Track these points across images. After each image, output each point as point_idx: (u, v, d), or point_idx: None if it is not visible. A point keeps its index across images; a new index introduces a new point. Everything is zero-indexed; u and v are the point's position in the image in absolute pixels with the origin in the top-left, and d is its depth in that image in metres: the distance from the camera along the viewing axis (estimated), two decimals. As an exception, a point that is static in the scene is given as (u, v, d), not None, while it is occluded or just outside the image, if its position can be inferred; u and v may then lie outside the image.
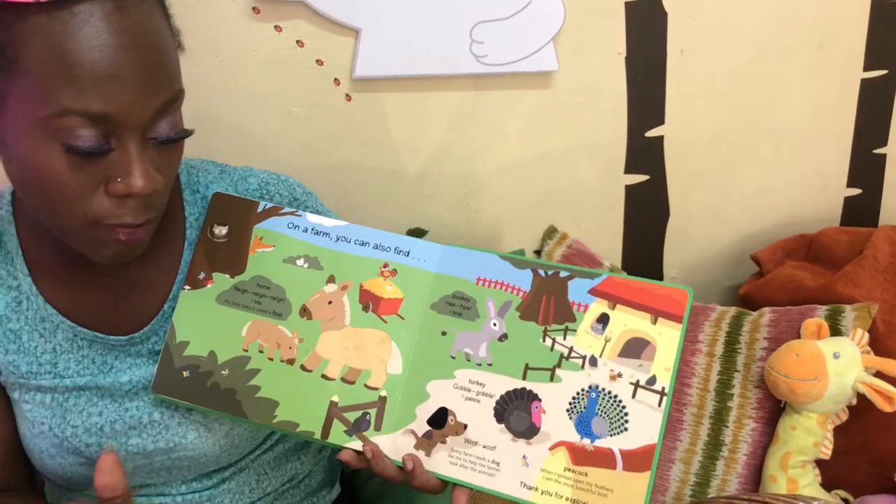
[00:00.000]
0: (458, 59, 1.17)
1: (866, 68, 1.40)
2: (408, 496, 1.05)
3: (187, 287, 0.78)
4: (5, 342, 0.77)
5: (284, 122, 1.16)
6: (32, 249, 0.77)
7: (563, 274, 0.75)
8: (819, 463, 1.17)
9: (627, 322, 0.72)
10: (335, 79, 1.15)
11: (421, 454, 0.73)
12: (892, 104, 1.45)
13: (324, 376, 0.76)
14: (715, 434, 1.20)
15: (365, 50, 1.13)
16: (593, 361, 0.72)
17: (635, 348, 0.71)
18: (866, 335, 1.14)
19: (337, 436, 0.74)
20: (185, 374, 0.76)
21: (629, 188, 1.37)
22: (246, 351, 0.77)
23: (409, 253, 0.78)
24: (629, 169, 1.36)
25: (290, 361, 0.76)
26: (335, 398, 0.75)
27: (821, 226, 1.42)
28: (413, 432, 0.74)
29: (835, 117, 1.43)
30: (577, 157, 1.32)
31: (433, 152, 1.23)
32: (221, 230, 0.79)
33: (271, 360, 0.76)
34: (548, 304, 0.74)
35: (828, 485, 1.18)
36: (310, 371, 0.76)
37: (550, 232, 1.35)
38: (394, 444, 0.74)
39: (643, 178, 1.37)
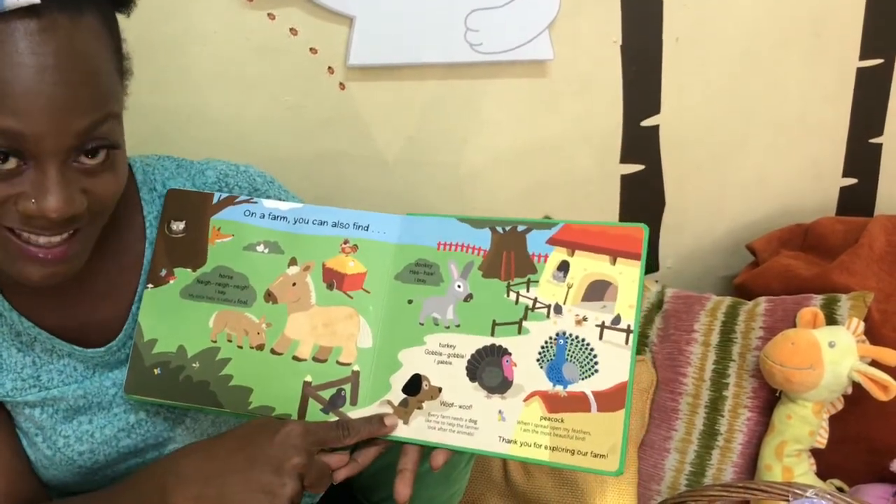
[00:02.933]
0: (452, 48, 1.16)
1: (862, 57, 1.40)
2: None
3: (150, 285, 0.78)
4: None
5: (277, 110, 1.15)
6: None
7: (520, 228, 0.75)
8: (814, 452, 1.17)
9: (587, 266, 0.73)
10: (329, 67, 1.14)
11: (399, 423, 0.73)
12: (888, 93, 1.45)
13: (295, 357, 0.76)
14: (710, 423, 1.20)
15: (359, 38, 1.12)
16: (558, 309, 0.73)
17: (598, 291, 0.72)
18: (862, 324, 1.14)
19: (314, 415, 0.74)
20: (157, 371, 0.76)
21: (624, 178, 1.37)
22: (214, 342, 0.76)
23: (368, 227, 0.78)
24: (625, 158, 1.35)
25: (260, 347, 0.76)
26: (308, 378, 0.75)
27: (816, 215, 1.42)
28: (389, 402, 0.74)
29: (831, 106, 1.42)
30: (572, 146, 1.31)
31: (427, 141, 1.23)
32: (179, 225, 0.79)
33: (240, 347, 0.76)
34: (508, 260, 0.75)
35: (823, 474, 1.18)
36: (280, 354, 0.76)
37: (545, 222, 1.35)
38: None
39: (639, 167, 1.37)
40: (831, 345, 1.11)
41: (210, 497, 0.67)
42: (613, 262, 0.72)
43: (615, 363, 0.70)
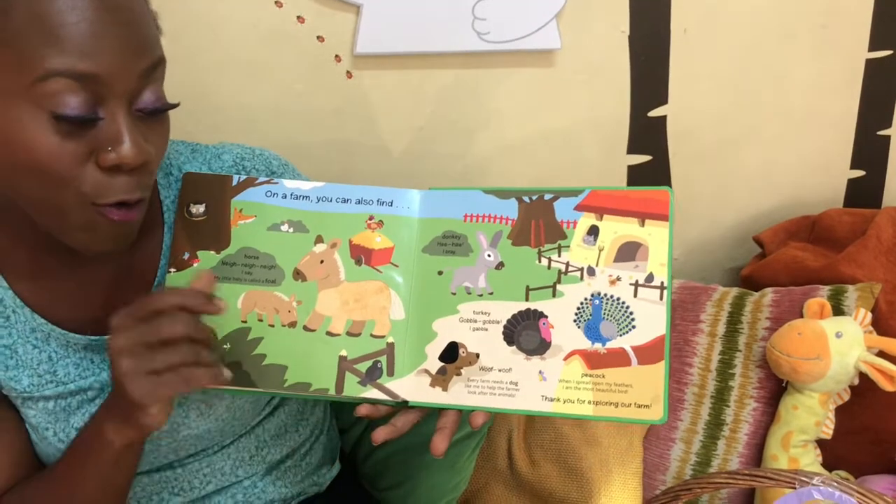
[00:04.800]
0: (460, 37, 1.16)
1: (871, 48, 1.39)
2: (406, 472, 1.05)
3: (172, 269, 0.77)
4: (3, 358, 0.75)
5: (284, 99, 1.15)
6: (7, 256, 0.74)
7: (547, 196, 0.76)
8: (820, 443, 1.17)
9: (617, 229, 0.74)
10: (336, 55, 1.14)
11: (438, 390, 0.74)
12: (897, 85, 1.44)
13: (328, 333, 0.76)
14: (716, 413, 1.20)
15: (366, 26, 1.12)
16: (591, 271, 0.74)
17: (629, 251, 0.74)
18: (869, 315, 1.14)
19: (351, 388, 0.75)
20: None
21: (632, 168, 1.36)
22: (245, 322, 0.76)
23: (392, 203, 0.79)
24: (632, 149, 1.35)
25: (292, 325, 0.76)
26: (343, 352, 0.75)
27: (824, 207, 1.41)
28: (426, 371, 0.75)
29: (839, 98, 1.42)
30: (579, 136, 1.31)
31: (434, 130, 1.23)
32: (199, 208, 0.79)
33: (272, 326, 0.76)
34: (538, 227, 0.76)
35: (829, 465, 1.18)
36: (313, 330, 0.76)
37: (552, 212, 1.35)
38: (410, 386, 0.75)
39: (646, 158, 1.36)
40: (838, 335, 1.11)
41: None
42: (642, 223, 0.74)
43: (651, 318, 0.72)
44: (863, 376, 1.11)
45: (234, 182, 0.80)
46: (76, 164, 0.63)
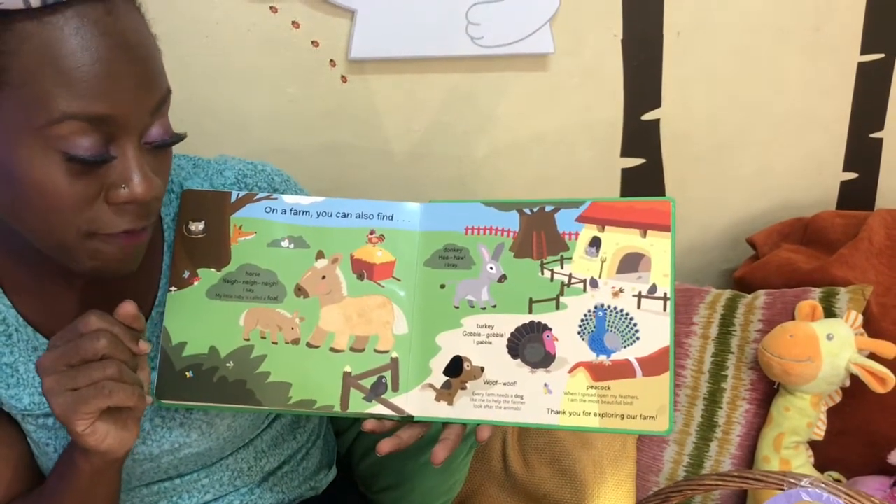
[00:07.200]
0: (453, 41, 1.17)
1: (863, 51, 1.40)
2: (401, 474, 1.06)
3: (173, 288, 0.77)
4: (4, 377, 0.75)
5: (279, 103, 1.15)
6: (9, 274, 0.74)
7: (548, 208, 0.76)
8: (812, 444, 1.18)
9: (619, 240, 0.74)
10: (331, 60, 1.15)
11: (443, 404, 0.74)
12: (889, 88, 1.45)
13: (332, 349, 0.76)
14: (709, 415, 1.20)
15: (361, 31, 1.13)
16: (594, 283, 0.74)
17: (631, 263, 0.74)
18: (860, 317, 1.15)
19: (356, 404, 0.75)
20: (188, 374, 0.75)
21: (625, 171, 1.37)
22: (247, 340, 0.76)
23: (392, 216, 0.79)
24: (625, 152, 1.36)
25: (295, 341, 0.76)
26: (348, 368, 0.75)
27: (817, 209, 1.42)
28: (431, 386, 0.75)
29: (831, 101, 1.42)
30: (573, 140, 1.32)
31: (428, 134, 1.23)
32: (198, 226, 0.78)
33: (275, 343, 0.76)
34: (539, 239, 0.76)
35: (821, 466, 1.19)
36: (317, 347, 0.76)
37: (546, 215, 1.35)
38: (415, 401, 0.75)
39: (639, 161, 1.37)
40: (829, 337, 1.12)
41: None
42: (644, 234, 0.74)
43: (655, 330, 0.72)
44: (854, 378, 1.12)
45: (233, 198, 0.79)
46: (86, 203, 0.63)
